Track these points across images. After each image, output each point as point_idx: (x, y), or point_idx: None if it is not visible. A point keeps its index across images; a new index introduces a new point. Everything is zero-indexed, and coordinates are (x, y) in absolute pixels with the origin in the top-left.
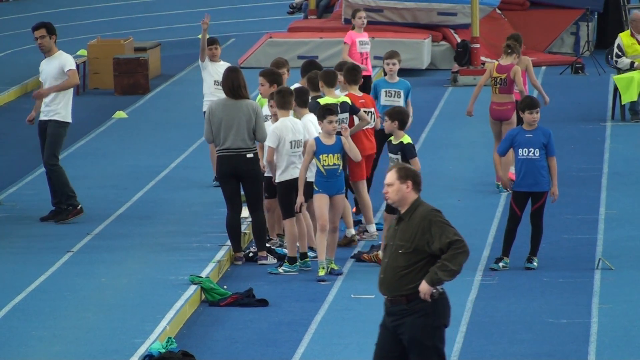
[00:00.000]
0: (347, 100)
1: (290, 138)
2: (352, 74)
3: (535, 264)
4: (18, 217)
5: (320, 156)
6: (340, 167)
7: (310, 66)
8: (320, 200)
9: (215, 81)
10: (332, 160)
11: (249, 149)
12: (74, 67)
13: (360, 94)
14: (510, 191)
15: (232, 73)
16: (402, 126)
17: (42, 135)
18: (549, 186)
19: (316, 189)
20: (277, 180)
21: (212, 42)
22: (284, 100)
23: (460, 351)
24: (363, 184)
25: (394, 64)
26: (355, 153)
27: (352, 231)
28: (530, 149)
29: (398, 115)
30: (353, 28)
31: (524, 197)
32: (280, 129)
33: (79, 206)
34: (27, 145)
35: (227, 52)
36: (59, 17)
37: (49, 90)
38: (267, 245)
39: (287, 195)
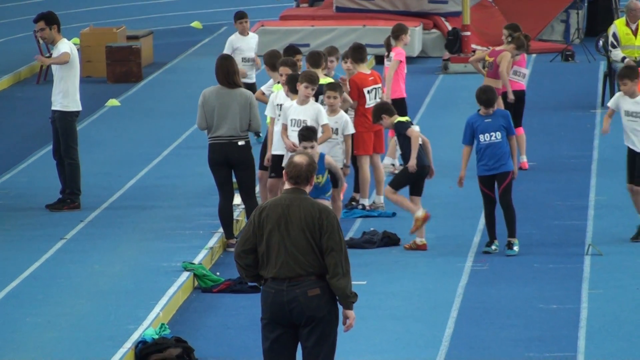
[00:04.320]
0: (332, 80)
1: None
2: (359, 52)
3: (516, 248)
4: (11, 204)
5: None
6: (323, 182)
7: (289, 51)
8: None
9: (242, 58)
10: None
11: (241, 137)
12: (67, 50)
13: (369, 71)
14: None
15: (225, 61)
16: (391, 114)
17: (53, 123)
18: (512, 166)
19: None
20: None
21: (241, 16)
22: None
23: (451, 336)
24: (366, 159)
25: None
26: (339, 175)
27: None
28: (491, 133)
29: (378, 113)
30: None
31: (490, 180)
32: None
33: (77, 203)
34: (21, 133)
35: (219, 40)
36: (51, 6)
37: (47, 61)
38: None
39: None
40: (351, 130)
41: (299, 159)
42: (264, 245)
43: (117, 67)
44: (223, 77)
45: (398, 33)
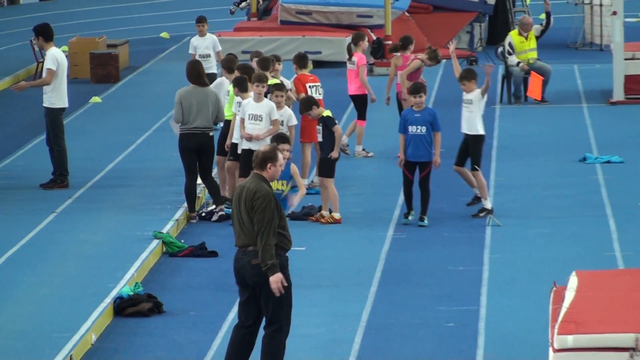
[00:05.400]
0: (277, 81)
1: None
2: (303, 60)
3: (426, 222)
4: (11, 184)
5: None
6: (285, 193)
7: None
8: None
9: (199, 55)
10: (279, 185)
11: (211, 128)
12: (52, 66)
13: (310, 74)
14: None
15: (196, 65)
16: (318, 107)
17: (44, 117)
18: (433, 157)
19: None
20: (243, 147)
21: (199, 20)
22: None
23: (375, 294)
24: (309, 146)
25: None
26: (300, 185)
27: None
28: (418, 126)
29: (305, 105)
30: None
31: (413, 165)
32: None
33: (66, 182)
34: (19, 124)
35: (184, 48)
36: (45, 20)
37: (26, 85)
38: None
39: (248, 160)
40: (294, 122)
41: (261, 149)
42: (233, 218)
43: (99, 70)
44: (196, 78)
45: (357, 40)
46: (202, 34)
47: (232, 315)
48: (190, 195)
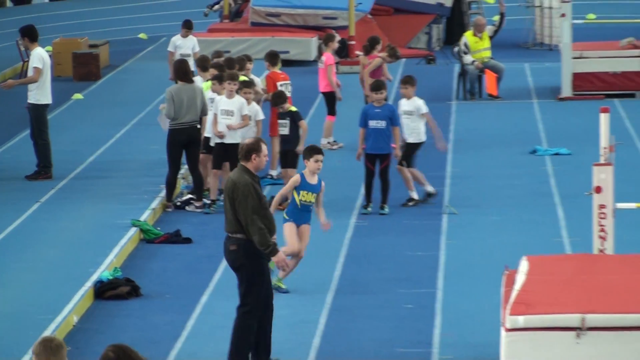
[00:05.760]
0: (247, 79)
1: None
2: (274, 58)
3: (386, 210)
4: None
5: (301, 192)
6: (313, 205)
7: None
8: (290, 229)
9: (180, 54)
10: (309, 197)
11: (198, 121)
12: (38, 65)
13: (281, 72)
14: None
15: (183, 63)
16: (285, 102)
17: (28, 112)
18: (392, 149)
19: (286, 217)
20: (215, 142)
21: (185, 25)
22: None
23: (339, 278)
24: (277, 140)
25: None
26: (320, 204)
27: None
28: (378, 121)
29: (278, 99)
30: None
31: (374, 157)
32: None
33: (50, 174)
34: (6, 120)
35: (161, 48)
36: (30, 22)
37: (13, 83)
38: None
39: (220, 153)
40: (261, 116)
41: (245, 141)
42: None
43: (81, 68)
44: (184, 75)
45: (327, 41)
46: (184, 36)
47: (205, 298)
48: (170, 186)
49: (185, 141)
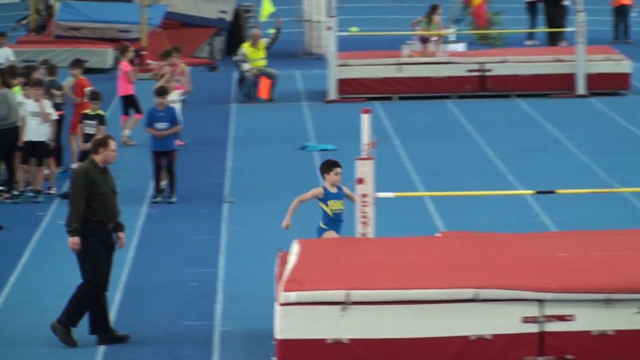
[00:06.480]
0: (71, 82)
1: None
2: (80, 64)
3: (174, 199)
4: None
5: (328, 202)
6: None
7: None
8: (330, 234)
9: None
10: (337, 205)
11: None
12: None
13: (85, 79)
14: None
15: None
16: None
17: None
18: (174, 147)
19: (324, 227)
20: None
21: None
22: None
23: (132, 259)
24: (75, 137)
25: None
26: (354, 198)
27: None
28: (162, 122)
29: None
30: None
31: (159, 154)
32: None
33: None
34: None
35: None
36: None
37: None
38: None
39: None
40: (54, 117)
41: (96, 137)
42: None
43: None
44: (2, 83)
45: (123, 51)
46: (1, 47)
47: (13, 279)
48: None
49: (11, 141)
